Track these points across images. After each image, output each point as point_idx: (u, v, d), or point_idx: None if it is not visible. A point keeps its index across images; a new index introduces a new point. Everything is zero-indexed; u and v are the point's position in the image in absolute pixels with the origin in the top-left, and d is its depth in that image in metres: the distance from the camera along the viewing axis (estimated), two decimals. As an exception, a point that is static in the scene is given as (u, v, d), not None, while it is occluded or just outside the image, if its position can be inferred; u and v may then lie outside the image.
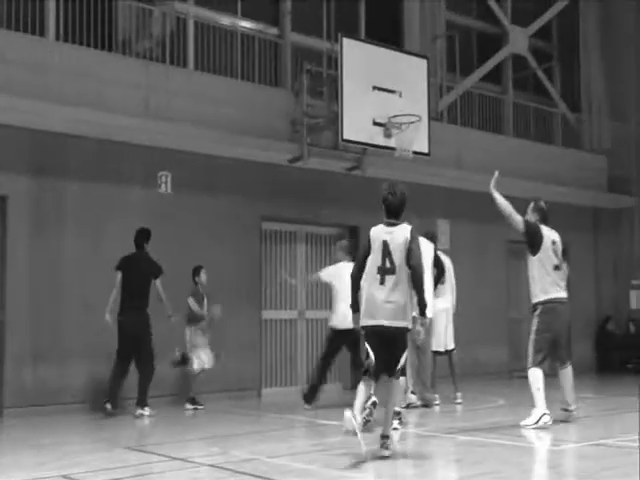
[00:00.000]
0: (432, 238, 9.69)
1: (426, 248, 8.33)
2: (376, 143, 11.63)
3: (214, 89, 11.14)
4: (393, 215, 6.16)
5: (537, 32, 16.25)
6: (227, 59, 11.70)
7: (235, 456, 6.43)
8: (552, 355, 7.84)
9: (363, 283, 6.10)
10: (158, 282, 9.26)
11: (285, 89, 12.19)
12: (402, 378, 6.21)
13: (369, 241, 6.11)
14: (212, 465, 6.02)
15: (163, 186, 10.73)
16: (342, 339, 9.36)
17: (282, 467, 5.98)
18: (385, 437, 6.10)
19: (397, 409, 6.86)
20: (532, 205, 8.00)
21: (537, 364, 7.64)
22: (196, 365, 9.75)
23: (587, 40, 16.65)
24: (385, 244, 5.99)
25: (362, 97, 11.37)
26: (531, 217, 7.88)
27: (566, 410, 8.01)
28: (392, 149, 11.62)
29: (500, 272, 14.80)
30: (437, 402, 9.52)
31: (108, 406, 8.98)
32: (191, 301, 9.79)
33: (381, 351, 6.00)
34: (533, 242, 7.70)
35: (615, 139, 16.50)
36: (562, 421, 7.96)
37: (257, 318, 11.57)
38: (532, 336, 7.76)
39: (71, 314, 9.83)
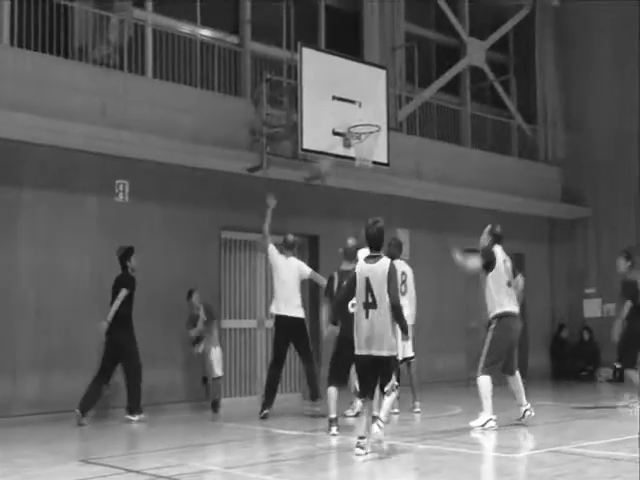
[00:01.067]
0: (398, 246, 9.82)
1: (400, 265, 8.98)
2: (336, 153, 11.65)
3: (172, 97, 11.06)
4: (375, 248, 6.79)
5: (494, 45, 16.50)
6: (186, 67, 11.64)
7: (192, 467, 6.34)
8: (503, 365, 8.32)
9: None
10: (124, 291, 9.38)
11: (245, 98, 12.16)
12: (393, 394, 6.76)
13: (355, 277, 6.78)
14: (168, 477, 5.92)
15: (121, 195, 10.61)
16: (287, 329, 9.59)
17: (239, 478, 5.93)
18: (362, 438, 6.55)
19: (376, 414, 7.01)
20: (488, 229, 8.68)
21: (486, 372, 8.16)
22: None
23: (543, 53, 16.96)
24: (367, 281, 6.64)
25: (322, 107, 11.40)
26: (485, 240, 8.60)
27: (522, 416, 8.32)
28: (352, 159, 11.66)
29: (459, 282, 14.92)
30: (396, 411, 9.54)
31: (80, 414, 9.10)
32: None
33: (370, 376, 6.71)
34: (488, 265, 8.40)
35: (569, 150, 16.80)
36: (518, 425, 8.20)
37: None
38: (486, 347, 8.26)
39: (24, 324, 9.63)
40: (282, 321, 9.70)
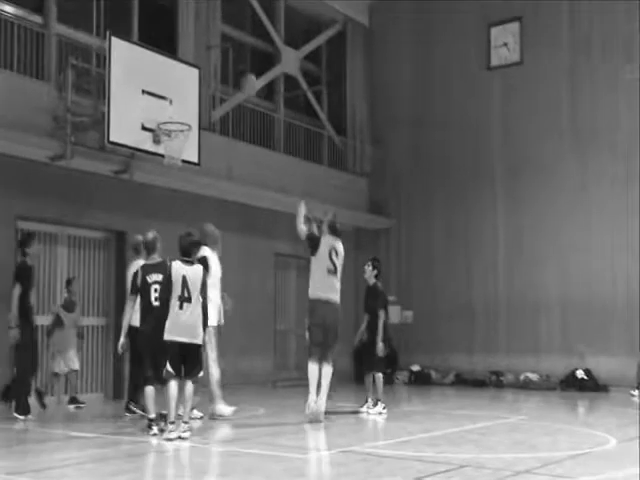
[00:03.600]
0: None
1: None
2: (144, 148, 11.35)
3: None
4: (187, 256, 7.65)
5: (308, 55, 16.89)
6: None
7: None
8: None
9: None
10: None
11: (48, 83, 11.45)
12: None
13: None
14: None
15: None
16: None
17: None
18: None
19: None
20: (326, 221, 9.15)
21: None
22: None
23: (353, 68, 17.62)
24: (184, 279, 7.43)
25: (131, 100, 11.07)
26: (324, 228, 9.09)
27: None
28: (161, 156, 11.38)
29: (268, 284, 15.03)
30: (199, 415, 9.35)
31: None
32: None
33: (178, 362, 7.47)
34: (312, 247, 8.95)
35: (375, 163, 17.55)
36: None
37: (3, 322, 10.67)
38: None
39: None
40: None
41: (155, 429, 7.66)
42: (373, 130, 17.69)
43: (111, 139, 10.87)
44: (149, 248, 8.36)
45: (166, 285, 7.49)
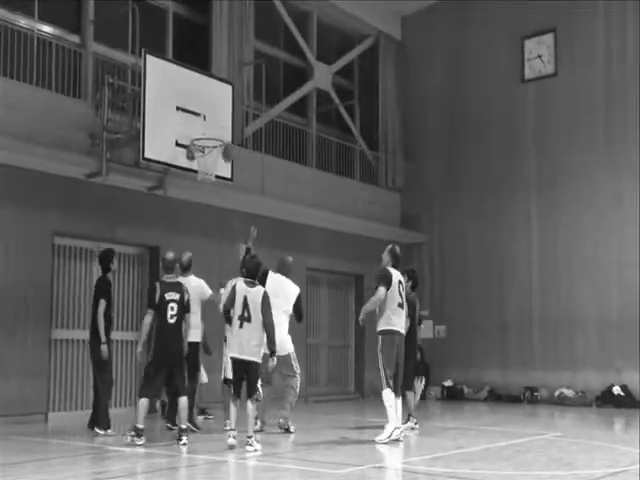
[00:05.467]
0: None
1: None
2: (178, 164, 11.45)
3: (5, 93, 10.40)
4: (250, 277, 8.13)
5: (340, 70, 16.97)
6: (22, 63, 10.99)
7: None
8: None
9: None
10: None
11: (85, 101, 11.67)
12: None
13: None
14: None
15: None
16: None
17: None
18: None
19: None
20: (388, 248, 8.96)
21: (387, 385, 8.48)
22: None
23: (385, 83, 17.65)
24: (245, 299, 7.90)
25: (165, 116, 11.19)
26: (385, 257, 8.88)
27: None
28: (194, 172, 11.49)
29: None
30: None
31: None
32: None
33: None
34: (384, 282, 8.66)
35: (408, 178, 17.52)
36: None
37: (46, 338, 10.88)
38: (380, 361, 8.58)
39: None
40: None
41: (143, 440, 7.94)
42: (406, 144, 17.68)
43: (146, 155, 10.98)
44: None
45: (228, 300, 7.97)
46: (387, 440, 8.30)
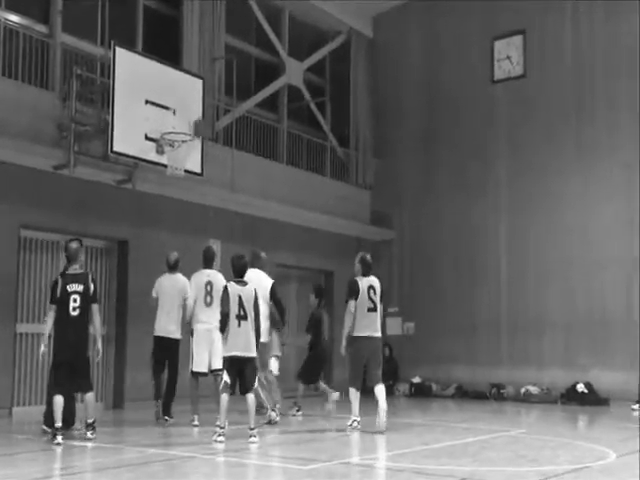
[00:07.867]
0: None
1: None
2: (147, 158, 11.36)
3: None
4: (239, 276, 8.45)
5: (312, 67, 16.96)
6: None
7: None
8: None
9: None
10: None
11: (53, 92, 11.50)
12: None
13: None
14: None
15: None
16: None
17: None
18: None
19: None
20: (359, 257, 9.31)
21: (351, 384, 9.14)
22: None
23: (356, 80, 17.67)
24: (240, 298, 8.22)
25: (135, 110, 11.09)
26: (357, 266, 9.25)
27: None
28: (164, 166, 11.41)
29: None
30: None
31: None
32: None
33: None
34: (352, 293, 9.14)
35: (378, 176, 17.57)
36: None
37: (11, 332, 10.75)
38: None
39: None
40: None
41: (59, 438, 7.71)
42: (377, 142, 17.73)
43: (114, 149, 10.89)
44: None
45: (225, 302, 8.13)
46: (349, 431, 8.90)
